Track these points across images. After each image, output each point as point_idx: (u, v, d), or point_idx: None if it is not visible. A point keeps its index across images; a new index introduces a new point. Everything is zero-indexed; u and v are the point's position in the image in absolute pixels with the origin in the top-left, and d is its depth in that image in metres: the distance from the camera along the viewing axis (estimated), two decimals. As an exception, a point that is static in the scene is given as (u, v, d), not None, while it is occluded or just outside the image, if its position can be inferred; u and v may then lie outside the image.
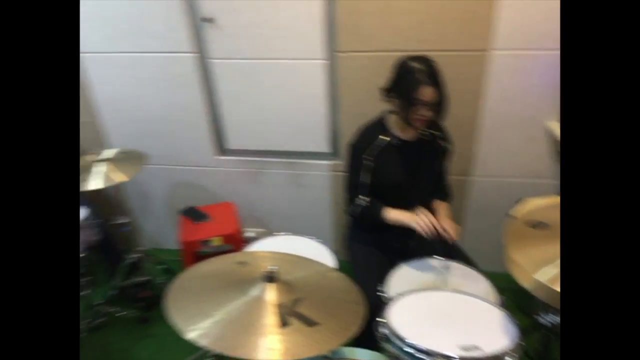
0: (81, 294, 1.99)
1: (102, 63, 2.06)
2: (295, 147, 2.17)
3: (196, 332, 0.95)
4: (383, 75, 1.84)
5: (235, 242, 2.12)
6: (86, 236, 1.81)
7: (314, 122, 2.07)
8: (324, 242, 1.71)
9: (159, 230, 2.57)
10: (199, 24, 1.88)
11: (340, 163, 2.16)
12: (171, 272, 2.44)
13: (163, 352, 1.98)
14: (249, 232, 2.45)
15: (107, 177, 1.75)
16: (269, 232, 2.45)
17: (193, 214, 2.16)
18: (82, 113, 2.19)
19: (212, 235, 2.05)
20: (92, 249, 1.87)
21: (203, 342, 0.94)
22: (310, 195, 2.30)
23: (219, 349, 0.91)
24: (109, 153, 1.89)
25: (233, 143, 2.22)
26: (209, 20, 1.85)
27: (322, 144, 2.14)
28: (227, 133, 2.19)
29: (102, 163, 1.80)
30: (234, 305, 1.03)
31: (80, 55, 2.04)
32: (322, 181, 2.24)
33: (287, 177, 2.26)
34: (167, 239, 2.61)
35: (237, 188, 2.34)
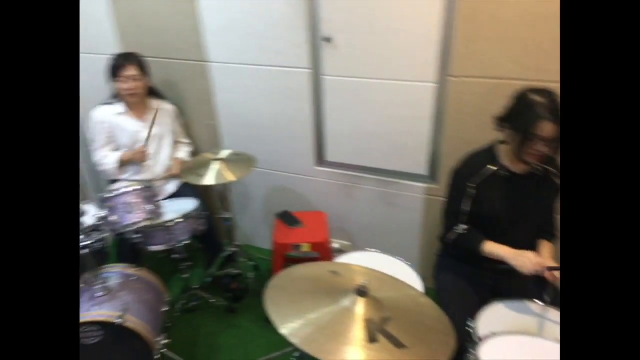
0: (181, 277, 2.21)
1: (226, 73, 2.29)
2: (392, 166, 2.18)
3: (289, 329, 1.01)
4: (495, 103, 1.78)
5: (323, 251, 2.18)
6: (193, 225, 2.01)
7: (415, 144, 2.06)
8: (413, 265, 1.70)
9: (254, 228, 2.75)
10: (318, 43, 2.00)
11: (437, 187, 2.12)
12: (259, 270, 2.60)
13: (245, 344, 2.11)
14: (335, 243, 2.51)
15: (219, 175, 1.94)
16: (355, 246, 2.50)
17: (288, 219, 2.28)
18: (206, 116, 2.45)
19: (303, 241, 2.14)
20: (196, 238, 2.06)
21: (294, 340, 0.99)
22: (402, 216, 2.28)
23: (308, 350, 0.96)
24: (224, 153, 2.09)
25: (332, 156, 2.30)
26: (328, 39, 1.97)
27: (420, 167, 2.12)
28: (327, 146, 2.28)
29: (217, 162, 2.00)
30: (325, 312, 1.07)
31: (208, 64, 2.29)
32: (416, 203, 2.21)
33: (380, 195, 2.28)
34: (259, 238, 2.79)
35: (331, 199, 2.42)
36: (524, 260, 1.37)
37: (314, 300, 1.12)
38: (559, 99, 1.34)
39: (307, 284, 1.20)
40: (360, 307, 1.08)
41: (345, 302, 1.10)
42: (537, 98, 1.34)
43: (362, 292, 1.10)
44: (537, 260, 1.36)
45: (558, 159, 1.50)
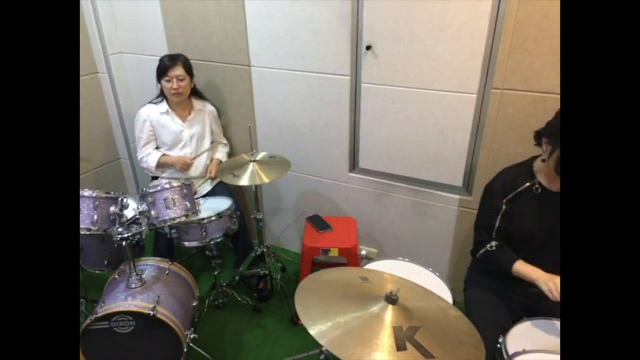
0: (211, 273, 2.26)
1: (266, 77, 2.34)
2: (426, 176, 2.16)
3: (317, 330, 1.02)
4: (537, 117, 1.75)
5: (351, 257, 2.18)
6: (226, 223, 2.07)
7: (452, 155, 2.03)
8: (443, 277, 1.67)
9: (283, 230, 2.79)
10: (360, 50, 2.02)
11: (471, 199, 2.08)
12: (285, 272, 2.62)
13: (270, 344, 2.13)
14: (363, 250, 2.50)
15: (254, 177, 1.98)
16: (382, 254, 2.48)
17: (318, 222, 2.29)
18: (245, 118, 2.51)
19: (332, 245, 2.15)
20: (228, 236, 2.11)
21: (322, 341, 1.00)
22: (433, 226, 2.25)
23: (336, 352, 0.97)
24: (260, 155, 2.14)
25: (366, 162, 2.30)
26: (368, 47, 1.98)
27: (455, 178, 2.09)
28: (362, 152, 2.29)
29: (253, 163, 2.04)
30: (353, 316, 1.07)
31: (250, 68, 2.36)
32: (448, 215, 2.18)
33: (412, 204, 2.26)
34: (288, 239, 2.82)
35: (362, 206, 2.42)
36: (553, 285, 1.32)
37: (343, 304, 1.12)
38: None
39: (336, 288, 1.21)
40: (389, 314, 1.07)
41: (374, 308, 1.10)
42: None
43: (391, 299, 1.10)
44: None
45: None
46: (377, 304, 1.11)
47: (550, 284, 1.33)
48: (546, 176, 1.47)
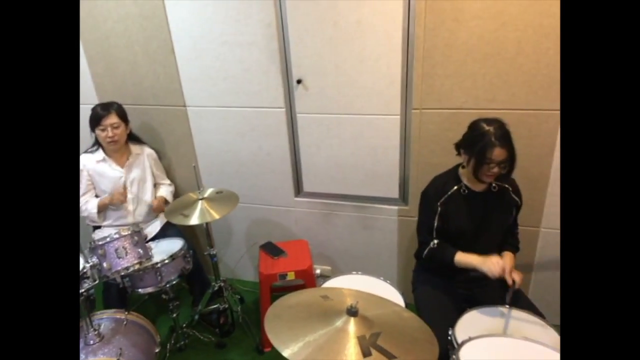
0: (169, 316, 2.24)
1: (203, 115, 2.41)
2: (366, 192, 2.34)
3: (290, 352, 1.11)
4: (452, 130, 2.00)
5: (307, 278, 2.28)
6: (181, 264, 2.08)
7: (386, 171, 2.23)
8: (393, 283, 1.83)
9: (236, 261, 2.82)
10: (291, 84, 2.17)
11: (407, 208, 2.29)
12: (244, 302, 2.65)
13: (238, 377, 2.15)
14: (317, 269, 2.61)
15: (204, 214, 2.02)
16: (335, 270, 2.61)
17: (271, 249, 2.37)
18: (186, 157, 2.54)
19: (288, 270, 2.23)
20: (183, 276, 2.11)
21: (296, 362, 1.09)
22: (378, 237, 2.43)
23: (310, 370, 1.06)
24: (207, 192, 2.18)
25: (310, 186, 2.44)
26: (299, 81, 2.14)
27: (392, 191, 2.29)
28: (305, 177, 2.42)
29: (201, 201, 2.08)
30: (321, 333, 1.17)
31: (186, 108, 2.41)
32: (390, 225, 2.37)
33: (357, 220, 2.43)
34: (243, 270, 2.85)
35: (311, 227, 2.54)
36: (491, 265, 1.56)
37: (309, 323, 1.22)
38: (506, 126, 1.55)
39: (301, 310, 1.30)
40: (352, 326, 1.19)
41: (338, 322, 1.20)
42: (487, 127, 1.54)
43: (352, 312, 1.22)
44: (501, 262, 1.56)
45: (512, 178, 1.70)
46: (340, 318, 1.22)
47: (487, 263, 1.57)
48: (469, 179, 1.70)
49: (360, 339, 1.15)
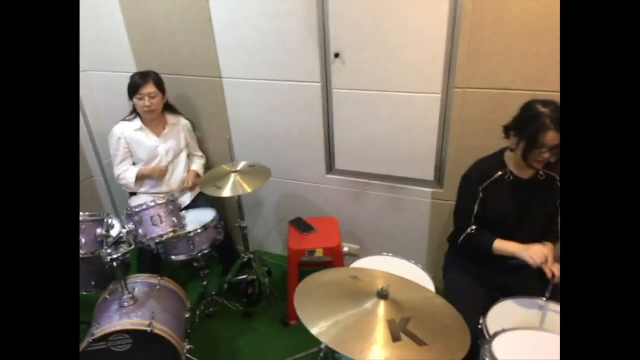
0: (200, 284, 2.30)
1: (238, 88, 2.39)
2: (400, 173, 2.28)
3: (319, 329, 1.10)
4: (497, 112, 1.90)
5: (336, 255, 2.27)
6: (212, 234, 2.11)
7: (422, 152, 2.16)
8: (424, 267, 1.79)
9: (266, 235, 2.85)
10: (328, 58, 2.11)
11: (442, 192, 2.22)
12: (272, 275, 2.69)
13: (263, 347, 2.20)
14: (345, 247, 2.60)
15: (236, 187, 2.03)
16: (364, 250, 2.59)
17: (301, 225, 2.37)
18: (220, 129, 2.55)
19: (316, 246, 2.23)
20: (214, 247, 2.15)
21: (324, 339, 1.08)
22: (409, 219, 2.38)
23: (338, 348, 1.05)
24: (240, 165, 2.19)
25: (342, 164, 2.40)
26: (337, 55, 2.07)
27: (427, 173, 2.22)
28: (337, 154, 2.38)
29: (235, 174, 2.09)
30: (350, 314, 1.16)
31: (222, 80, 2.40)
32: (422, 207, 2.31)
33: (389, 200, 2.38)
34: (271, 243, 2.89)
35: (341, 205, 2.51)
36: (533, 253, 1.48)
37: (338, 303, 1.21)
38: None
39: (330, 289, 1.29)
40: (382, 309, 1.17)
41: (368, 304, 1.19)
42: (542, 109, 1.44)
43: (383, 295, 1.20)
44: (544, 251, 1.48)
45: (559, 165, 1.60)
46: (370, 300, 1.20)
47: (529, 252, 1.50)
48: (516, 165, 1.61)
49: (390, 323, 1.14)
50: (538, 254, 1.48)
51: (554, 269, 1.49)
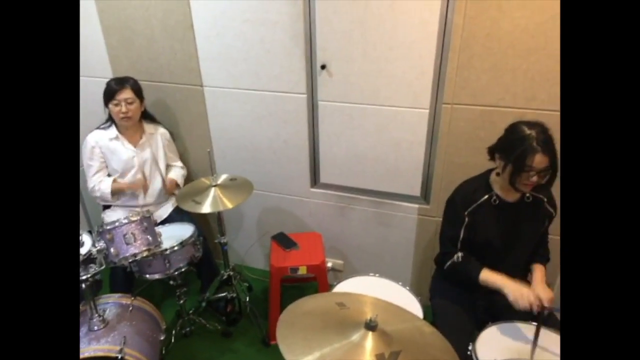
0: (176, 302, 2.18)
1: (220, 97, 2.30)
2: (386, 187, 2.22)
3: (303, 366, 1.03)
4: (485, 129, 1.87)
5: (319, 273, 2.20)
6: (190, 252, 2.00)
7: (409, 167, 2.11)
8: (410, 287, 1.73)
9: (247, 249, 2.75)
10: (314, 69, 2.04)
11: (429, 208, 2.17)
12: (252, 291, 2.59)
13: (243, 369, 2.10)
14: (329, 263, 2.53)
15: (216, 203, 1.93)
16: (348, 265, 2.53)
17: (284, 241, 2.29)
18: (200, 140, 2.45)
19: (300, 264, 2.16)
20: (193, 264, 2.05)
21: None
22: (395, 235, 2.32)
23: (323, 388, 0.98)
24: (220, 178, 2.09)
25: (327, 177, 2.33)
26: (323, 66, 2.01)
27: (413, 188, 2.17)
28: (322, 168, 2.31)
29: (215, 188, 1.99)
30: (336, 347, 1.08)
31: (203, 88, 2.30)
32: (409, 223, 2.26)
33: (374, 215, 2.32)
34: (253, 258, 2.79)
35: (325, 220, 2.44)
36: (519, 296, 1.41)
37: (324, 335, 1.13)
38: (549, 131, 1.41)
39: (315, 319, 1.21)
40: (369, 342, 1.10)
41: (355, 337, 1.11)
42: (528, 130, 1.40)
43: (371, 326, 1.13)
44: (532, 298, 1.41)
45: (549, 187, 1.56)
46: (357, 331, 1.12)
47: (517, 294, 1.42)
48: (502, 188, 1.56)
49: (379, 358, 1.07)
50: (524, 298, 1.40)
51: (542, 296, 1.44)
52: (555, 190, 1.58)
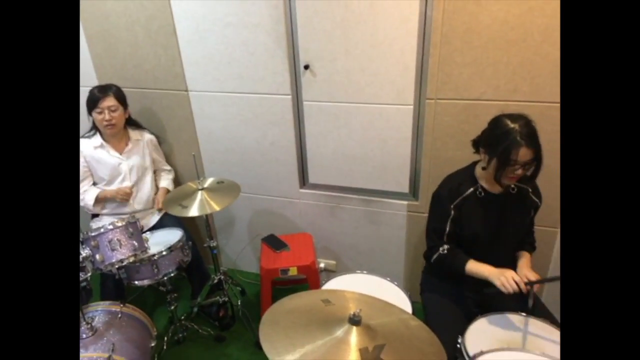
0: (168, 308, 2.17)
1: (205, 101, 2.30)
2: (374, 185, 2.22)
3: (286, 364, 1.02)
4: (470, 122, 1.87)
5: (310, 273, 2.19)
6: (178, 257, 1.99)
7: (396, 164, 2.11)
8: (400, 282, 1.72)
9: (238, 252, 2.74)
10: (298, 70, 2.04)
11: (418, 204, 2.17)
12: (245, 294, 2.58)
13: (236, 373, 2.08)
14: (320, 263, 2.52)
15: (203, 206, 1.92)
16: (340, 265, 2.52)
17: (274, 242, 2.28)
18: (187, 144, 2.45)
19: (290, 265, 2.15)
20: (182, 268, 2.04)
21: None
22: (386, 233, 2.32)
23: (307, 384, 0.97)
24: (207, 182, 2.08)
25: (315, 178, 2.33)
26: (306, 67, 2.01)
27: (401, 185, 2.17)
28: (311, 168, 2.31)
29: (202, 191, 1.99)
30: (320, 344, 1.08)
31: (188, 93, 2.30)
32: (399, 220, 2.26)
33: (364, 214, 2.32)
34: (244, 261, 2.78)
35: (315, 220, 2.44)
36: (505, 280, 1.42)
37: (308, 332, 1.12)
38: (532, 123, 1.41)
39: (300, 316, 1.21)
40: (354, 337, 1.09)
41: (339, 332, 1.11)
42: (512, 124, 1.40)
43: (355, 320, 1.12)
44: (517, 278, 1.42)
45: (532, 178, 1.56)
46: (342, 327, 1.12)
47: (502, 278, 1.43)
48: (487, 181, 1.57)
49: (363, 352, 1.06)
50: (510, 281, 1.41)
51: (529, 277, 1.45)
52: (540, 181, 1.59)
